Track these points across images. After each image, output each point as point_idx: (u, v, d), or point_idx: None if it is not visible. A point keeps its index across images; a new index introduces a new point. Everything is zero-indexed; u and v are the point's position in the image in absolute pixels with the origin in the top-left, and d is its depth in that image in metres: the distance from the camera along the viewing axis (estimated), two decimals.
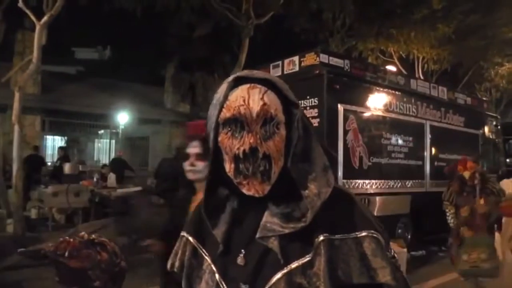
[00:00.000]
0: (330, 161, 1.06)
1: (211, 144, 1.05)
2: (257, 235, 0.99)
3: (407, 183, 8.35)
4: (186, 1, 13.72)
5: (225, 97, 1.03)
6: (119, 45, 25.36)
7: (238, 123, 1.00)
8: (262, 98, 1.00)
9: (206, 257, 1.09)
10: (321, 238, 0.96)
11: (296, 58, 7.60)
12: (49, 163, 14.40)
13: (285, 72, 7.66)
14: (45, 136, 16.42)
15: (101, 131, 17.98)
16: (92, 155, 18.11)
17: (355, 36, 16.52)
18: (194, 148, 2.64)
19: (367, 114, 7.67)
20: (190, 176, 2.61)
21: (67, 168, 11.19)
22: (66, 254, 1.05)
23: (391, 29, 15.28)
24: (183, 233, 1.19)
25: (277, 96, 1.02)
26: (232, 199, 1.08)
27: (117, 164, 11.18)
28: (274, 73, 7.71)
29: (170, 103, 19.73)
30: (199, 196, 2.39)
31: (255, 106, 0.99)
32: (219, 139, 1.03)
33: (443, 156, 9.16)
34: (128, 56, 22.66)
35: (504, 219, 5.52)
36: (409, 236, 8.51)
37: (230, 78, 1.06)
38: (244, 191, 1.00)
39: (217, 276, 1.04)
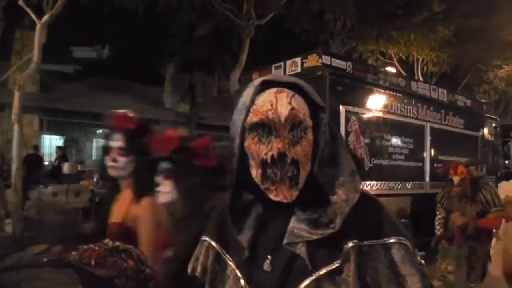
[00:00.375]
0: (357, 166, 1.05)
1: (236, 149, 1.03)
2: (285, 241, 0.97)
3: (407, 184, 8.36)
4: (187, 1, 13.69)
5: (252, 101, 1.01)
6: (117, 44, 25.30)
7: (265, 128, 0.98)
8: (290, 103, 0.98)
9: (230, 262, 1.07)
10: (350, 244, 0.95)
11: (298, 59, 7.59)
12: (47, 163, 14.35)
13: (287, 73, 7.64)
14: (43, 136, 16.38)
15: (100, 131, 17.93)
16: (91, 154, 18.01)
17: (356, 37, 16.55)
18: (116, 142, 2.30)
19: (368, 116, 7.67)
20: (112, 172, 2.30)
21: (65, 167, 11.15)
22: (92, 262, 1.03)
23: (392, 31, 15.31)
24: (205, 238, 1.17)
25: (304, 100, 1.01)
26: (257, 204, 1.07)
27: None
28: (276, 74, 7.70)
29: (169, 103, 19.71)
30: (125, 195, 2.28)
31: (283, 110, 0.97)
32: (245, 144, 1.02)
33: (443, 157, 9.16)
34: (127, 55, 22.62)
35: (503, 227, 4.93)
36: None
37: (257, 82, 1.04)
38: (272, 196, 0.99)
39: (242, 282, 1.03)
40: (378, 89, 7.94)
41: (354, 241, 0.96)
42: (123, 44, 23.87)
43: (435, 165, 9.00)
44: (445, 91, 9.89)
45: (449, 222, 4.98)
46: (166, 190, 2.10)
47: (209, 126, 18.25)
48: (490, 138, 11.18)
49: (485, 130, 10.97)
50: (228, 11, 13.44)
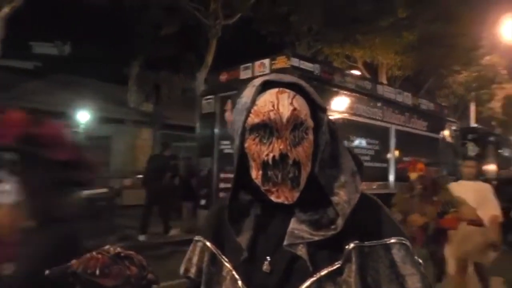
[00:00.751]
0: (358, 166, 1.05)
1: (237, 150, 1.01)
2: (285, 242, 0.96)
3: (372, 185, 8.52)
4: None
5: (253, 102, 0.99)
6: (79, 41, 24.62)
7: (267, 128, 0.97)
8: (291, 103, 0.97)
9: (226, 264, 1.06)
10: (352, 245, 0.95)
11: (266, 61, 7.61)
12: None
13: (255, 74, 7.64)
14: None
15: None
16: None
17: (322, 40, 16.75)
18: None
19: (335, 118, 7.77)
20: None
21: None
22: (97, 272, 0.99)
23: (358, 35, 15.58)
24: (200, 238, 1.15)
25: (305, 101, 1.01)
26: (256, 205, 1.05)
27: None
28: (244, 75, 7.73)
29: (133, 102, 19.37)
30: None
31: (285, 111, 0.96)
32: (246, 145, 1.00)
33: (407, 159, 9.38)
34: (90, 52, 22.06)
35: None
36: None
37: (257, 82, 1.02)
38: (273, 198, 0.98)
39: (239, 283, 1.01)
40: (345, 92, 8.07)
41: (356, 242, 0.96)
42: (85, 41, 23.28)
43: (399, 166, 9.23)
44: (409, 94, 10.17)
45: (406, 224, 4.68)
46: (8, 189, 1.61)
47: (174, 126, 18.05)
48: (450, 140, 11.58)
49: (446, 133, 11.35)
50: (195, 10, 13.36)
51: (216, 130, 7.90)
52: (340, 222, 0.94)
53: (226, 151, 7.59)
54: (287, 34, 16.48)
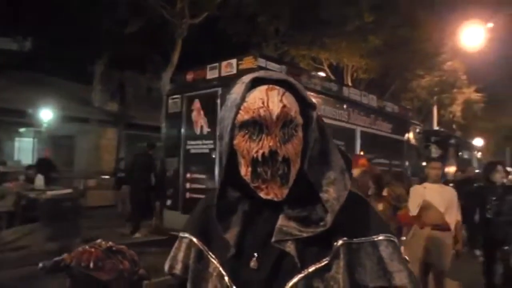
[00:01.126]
0: (346, 164, 1.05)
1: (226, 147, 1.01)
2: (273, 239, 0.97)
3: None
4: None
5: (242, 99, 0.99)
6: (41, 37, 23.90)
7: (256, 125, 0.97)
8: (281, 100, 0.98)
9: (213, 260, 1.05)
10: (340, 242, 0.97)
11: (233, 61, 7.56)
12: None
13: (222, 75, 7.60)
14: None
15: (23, 129, 16.85)
16: (12, 155, 16.84)
17: (289, 42, 16.85)
18: None
19: None
20: None
21: None
22: (91, 265, 0.96)
23: (325, 38, 15.74)
24: (185, 234, 1.14)
25: (295, 98, 1.01)
26: (243, 202, 1.05)
27: (43, 165, 10.48)
28: (211, 74, 7.66)
29: (98, 101, 18.99)
30: None
31: (275, 108, 0.96)
32: (235, 142, 1.00)
33: (372, 161, 9.55)
34: (52, 49, 21.46)
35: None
36: None
37: (247, 78, 1.02)
38: (262, 195, 0.98)
39: (226, 279, 1.01)
40: (311, 93, 8.12)
41: (344, 238, 0.97)
42: (47, 37, 22.62)
43: None
44: (375, 97, 10.35)
45: None
46: None
47: (139, 126, 17.79)
48: (414, 143, 11.85)
49: (410, 135, 11.61)
50: (162, 9, 13.20)
51: (183, 130, 7.80)
52: (329, 219, 0.95)
53: (193, 151, 7.50)
54: (254, 35, 16.49)
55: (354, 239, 0.98)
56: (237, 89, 1.01)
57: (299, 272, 0.95)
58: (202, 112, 7.44)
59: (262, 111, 0.96)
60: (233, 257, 1.01)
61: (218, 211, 1.03)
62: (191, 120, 7.63)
